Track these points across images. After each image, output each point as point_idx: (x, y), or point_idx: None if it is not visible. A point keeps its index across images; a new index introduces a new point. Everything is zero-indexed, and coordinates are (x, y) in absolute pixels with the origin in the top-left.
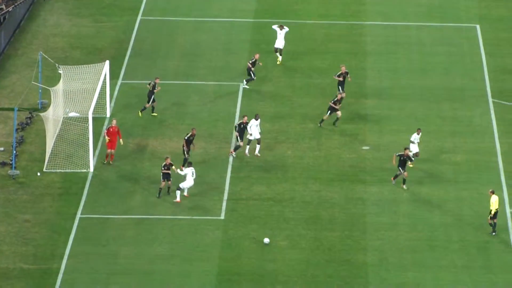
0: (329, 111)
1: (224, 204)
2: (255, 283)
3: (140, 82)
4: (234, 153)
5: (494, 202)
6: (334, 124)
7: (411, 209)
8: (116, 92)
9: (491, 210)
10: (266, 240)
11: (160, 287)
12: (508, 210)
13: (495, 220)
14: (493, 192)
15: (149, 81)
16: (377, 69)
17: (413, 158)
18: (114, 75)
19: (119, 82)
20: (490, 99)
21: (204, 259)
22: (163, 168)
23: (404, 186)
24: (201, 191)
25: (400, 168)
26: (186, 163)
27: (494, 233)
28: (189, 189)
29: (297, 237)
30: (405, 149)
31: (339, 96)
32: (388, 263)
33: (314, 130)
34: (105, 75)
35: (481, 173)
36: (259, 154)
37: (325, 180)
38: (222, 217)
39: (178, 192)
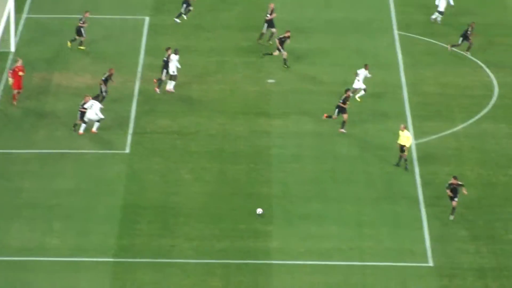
0: (277, 50)
1: (129, 138)
2: (159, 215)
3: (45, 16)
4: (158, 90)
5: (405, 137)
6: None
7: (315, 141)
8: (20, 27)
9: (403, 146)
10: (259, 210)
11: (65, 221)
12: (413, 141)
13: (404, 154)
14: (405, 128)
15: (80, 17)
16: (280, 1)
17: (360, 93)
18: (18, 9)
19: (24, 16)
20: (396, 32)
21: (109, 193)
22: (80, 107)
23: (343, 130)
24: (106, 125)
25: (338, 111)
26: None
27: (407, 167)
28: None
29: (201, 170)
30: (346, 90)
31: (287, 34)
32: (292, 195)
33: (220, 63)
34: (10, 9)
35: (387, 105)
36: (173, 90)
37: (230, 113)
38: (127, 151)
39: (83, 125)
